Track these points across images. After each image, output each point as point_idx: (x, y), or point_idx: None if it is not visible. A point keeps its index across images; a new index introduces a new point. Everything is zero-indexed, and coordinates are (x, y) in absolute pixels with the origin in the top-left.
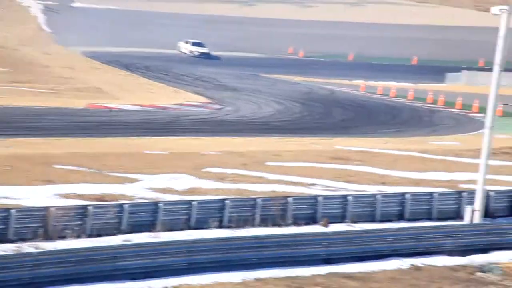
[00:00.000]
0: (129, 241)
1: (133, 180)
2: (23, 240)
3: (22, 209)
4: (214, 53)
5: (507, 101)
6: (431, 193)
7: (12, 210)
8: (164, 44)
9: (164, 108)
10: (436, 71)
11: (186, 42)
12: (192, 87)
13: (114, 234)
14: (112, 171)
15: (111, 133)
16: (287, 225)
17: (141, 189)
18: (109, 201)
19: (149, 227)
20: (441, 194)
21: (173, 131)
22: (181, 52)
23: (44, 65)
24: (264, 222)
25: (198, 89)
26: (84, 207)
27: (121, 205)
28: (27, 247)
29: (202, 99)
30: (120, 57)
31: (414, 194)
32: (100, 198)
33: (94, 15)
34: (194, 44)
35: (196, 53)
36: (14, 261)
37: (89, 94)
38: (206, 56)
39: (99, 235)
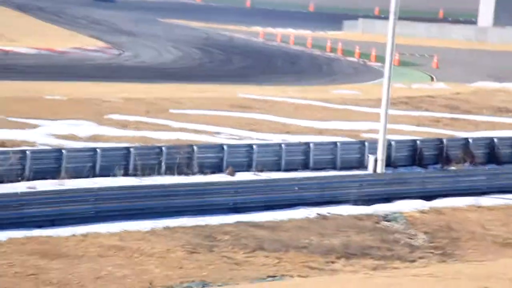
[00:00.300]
0: (33, 188)
1: (33, 126)
2: None
3: None
4: None
5: (404, 51)
6: (334, 143)
7: None
8: None
9: (62, 52)
10: (333, 18)
11: None
12: (88, 31)
13: (17, 181)
14: (11, 116)
15: (7, 77)
16: (194, 173)
17: (43, 135)
18: (11, 147)
19: (53, 174)
20: (344, 143)
21: (72, 75)
22: None
23: None
24: (170, 171)
25: (94, 33)
26: None
27: (23, 151)
28: None
29: (100, 44)
30: None
31: (318, 144)
32: (1, 144)
33: None
34: None
35: None
36: None
37: None
38: None
39: (1, 182)
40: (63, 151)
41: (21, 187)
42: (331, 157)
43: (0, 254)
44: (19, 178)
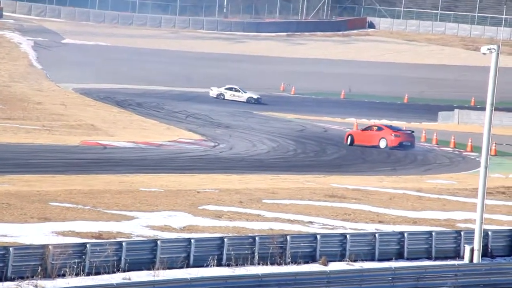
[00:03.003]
0: (128, 279)
1: (129, 218)
2: (22, 278)
3: (20, 247)
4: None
5: (500, 141)
6: (430, 232)
7: (10, 248)
8: (156, 81)
9: (159, 145)
10: (428, 109)
11: (229, 89)
12: (185, 124)
13: (113, 272)
14: (109, 208)
15: (106, 170)
16: (286, 263)
17: (138, 226)
18: (107, 239)
19: (148, 265)
20: (439, 233)
21: (168, 168)
22: (220, 98)
23: (36, 101)
24: (263, 260)
25: (191, 126)
26: (82, 244)
27: (119, 243)
28: (27, 285)
29: (196, 136)
30: (112, 94)
31: (412, 233)
32: (98, 235)
33: (85, 51)
34: (230, 88)
35: (247, 99)
36: None
37: (83, 131)
38: (257, 101)
39: (97, 273)
40: (158, 242)
41: (116, 278)
42: (426, 247)
43: None
44: (115, 270)
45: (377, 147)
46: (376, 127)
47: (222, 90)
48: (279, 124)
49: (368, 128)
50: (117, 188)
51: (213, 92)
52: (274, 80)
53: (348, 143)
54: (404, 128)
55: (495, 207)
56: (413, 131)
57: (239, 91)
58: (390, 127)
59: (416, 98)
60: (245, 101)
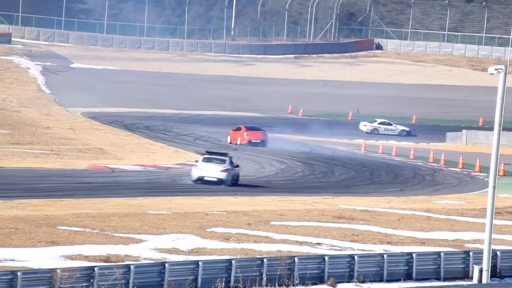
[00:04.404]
0: None
1: (138, 241)
2: None
3: (28, 271)
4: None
5: (509, 161)
6: (438, 253)
7: (18, 273)
8: (164, 104)
9: (166, 168)
10: (435, 130)
11: (382, 123)
12: (193, 147)
13: None
14: (117, 231)
15: (114, 193)
16: (294, 285)
17: (146, 249)
18: (115, 262)
19: (156, 287)
20: (448, 253)
21: (176, 190)
22: (375, 132)
23: (44, 126)
24: (271, 282)
25: (199, 149)
26: (90, 268)
27: (127, 266)
28: None
29: None
30: (120, 117)
31: (421, 254)
32: (106, 259)
33: (93, 75)
34: (383, 123)
35: (400, 132)
36: None
37: (91, 155)
38: (408, 133)
39: None
40: (165, 264)
41: None
42: (435, 267)
43: None
44: None
45: (237, 144)
46: (240, 128)
47: (375, 125)
48: (287, 145)
49: (238, 128)
50: (125, 211)
51: (366, 127)
52: (282, 102)
53: (228, 141)
54: (262, 129)
55: (503, 227)
56: (265, 130)
57: (391, 125)
58: (250, 127)
59: (424, 118)
60: (398, 134)
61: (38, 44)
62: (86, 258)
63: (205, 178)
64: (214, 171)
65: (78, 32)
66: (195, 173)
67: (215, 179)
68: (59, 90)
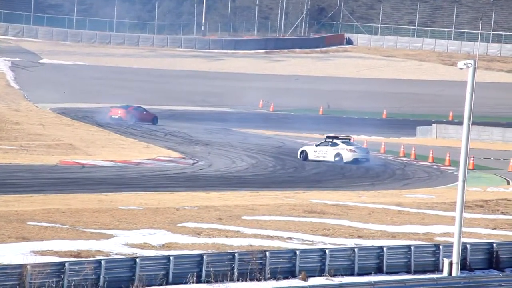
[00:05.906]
0: None
1: (108, 236)
2: None
3: None
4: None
5: (478, 155)
6: (408, 246)
7: None
8: (134, 99)
9: (137, 164)
10: (406, 125)
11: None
12: (163, 142)
13: None
14: (87, 227)
15: (84, 189)
16: (266, 279)
17: (117, 244)
18: (86, 257)
19: (127, 283)
20: (418, 247)
21: (146, 186)
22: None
23: (14, 121)
24: (243, 277)
25: (169, 144)
26: (61, 263)
27: (98, 261)
28: None
29: (174, 154)
30: (90, 113)
31: (392, 247)
32: (76, 254)
33: (63, 71)
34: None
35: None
36: None
37: (61, 150)
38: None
39: None
40: (136, 259)
41: None
42: (405, 261)
43: None
44: None
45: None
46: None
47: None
48: (258, 140)
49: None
50: (96, 206)
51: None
52: (252, 97)
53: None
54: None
55: (473, 221)
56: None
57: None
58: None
59: (394, 113)
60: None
61: (6, 40)
62: (57, 253)
63: (359, 159)
64: (362, 152)
65: (48, 27)
66: (349, 156)
67: (364, 160)
68: (28, 85)
